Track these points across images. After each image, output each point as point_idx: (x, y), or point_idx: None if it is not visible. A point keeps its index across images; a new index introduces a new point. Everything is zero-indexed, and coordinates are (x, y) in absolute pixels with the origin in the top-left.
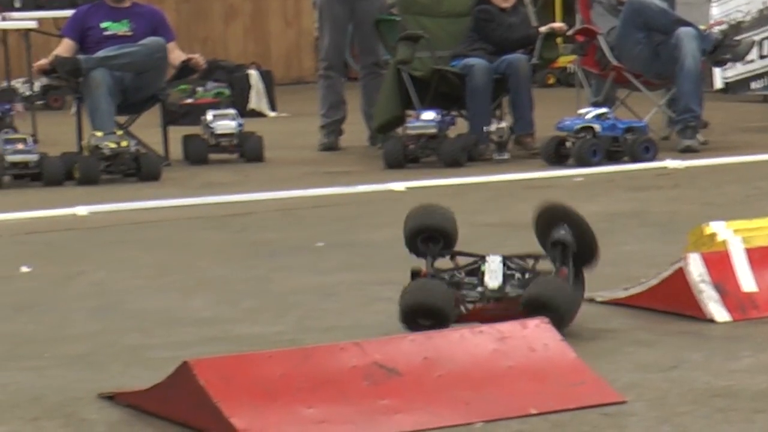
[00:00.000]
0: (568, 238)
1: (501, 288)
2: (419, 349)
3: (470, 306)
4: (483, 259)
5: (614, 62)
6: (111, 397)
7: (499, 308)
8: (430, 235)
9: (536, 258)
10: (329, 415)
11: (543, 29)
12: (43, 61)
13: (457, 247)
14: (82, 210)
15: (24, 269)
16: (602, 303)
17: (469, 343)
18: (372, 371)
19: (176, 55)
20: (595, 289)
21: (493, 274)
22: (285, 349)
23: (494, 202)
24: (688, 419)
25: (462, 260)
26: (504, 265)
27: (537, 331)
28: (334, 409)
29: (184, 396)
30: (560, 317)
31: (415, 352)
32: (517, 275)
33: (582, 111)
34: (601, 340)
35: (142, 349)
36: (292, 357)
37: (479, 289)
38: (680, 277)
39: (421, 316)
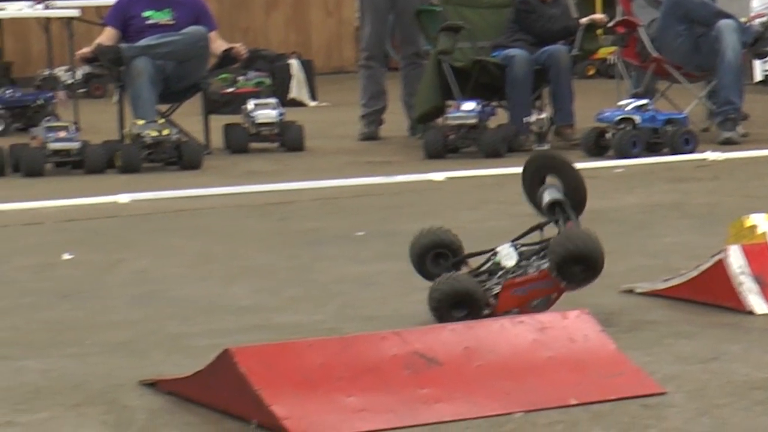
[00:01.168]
0: (558, 195)
1: (519, 263)
2: (459, 339)
3: (495, 298)
4: (494, 252)
5: (655, 54)
6: (152, 385)
7: (529, 285)
8: (437, 252)
9: (540, 228)
10: (369, 403)
11: (584, 20)
12: (86, 50)
13: (500, 239)
14: (123, 198)
15: (66, 256)
16: (642, 294)
17: (509, 333)
18: (412, 360)
19: (218, 45)
20: (635, 281)
21: (506, 257)
22: (326, 337)
23: None
24: (727, 411)
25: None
26: (514, 247)
27: (577, 322)
28: (374, 398)
29: (225, 384)
30: (596, 261)
31: (456, 342)
32: (532, 253)
33: (622, 102)
34: (640, 332)
35: (183, 336)
36: (332, 346)
37: (498, 275)
38: (720, 269)
39: (455, 305)
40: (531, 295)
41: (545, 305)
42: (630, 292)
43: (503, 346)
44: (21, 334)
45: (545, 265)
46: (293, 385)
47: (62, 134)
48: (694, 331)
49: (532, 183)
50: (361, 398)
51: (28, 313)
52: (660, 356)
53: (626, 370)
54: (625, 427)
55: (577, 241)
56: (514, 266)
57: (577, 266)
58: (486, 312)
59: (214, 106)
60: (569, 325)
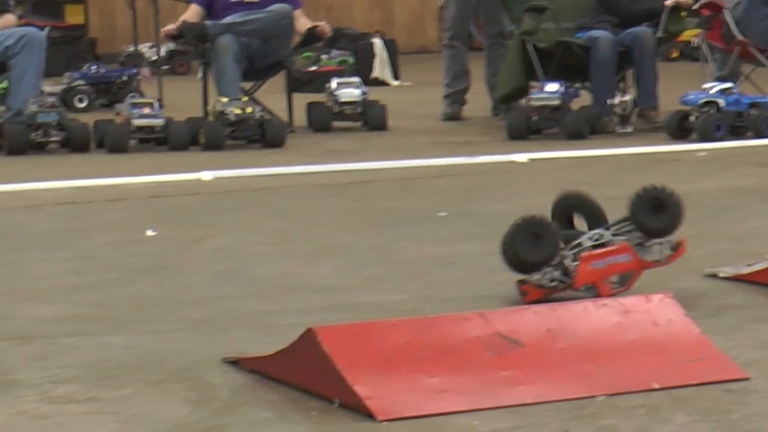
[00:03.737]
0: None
1: (601, 239)
2: (542, 321)
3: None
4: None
5: (739, 37)
6: (235, 362)
7: (609, 258)
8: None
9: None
10: (451, 384)
11: (668, 2)
12: (171, 27)
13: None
14: (206, 175)
15: (149, 233)
16: (725, 279)
17: (592, 315)
18: (495, 342)
19: (302, 23)
20: (718, 265)
21: (585, 238)
22: (408, 318)
23: (617, 176)
24: None
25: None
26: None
27: (661, 306)
28: (456, 379)
29: (307, 362)
30: (675, 207)
31: (538, 324)
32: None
33: (706, 85)
34: (723, 316)
35: (264, 314)
36: (415, 326)
37: (578, 249)
38: None
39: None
40: (610, 269)
41: (624, 284)
42: (713, 276)
43: (586, 328)
44: (104, 309)
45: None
46: (376, 364)
47: (147, 111)
48: None
49: (560, 220)
50: (443, 379)
51: (112, 289)
52: (743, 341)
53: (709, 355)
54: (708, 412)
55: (656, 190)
56: (594, 243)
57: (657, 212)
58: (557, 279)
59: (297, 84)
60: (653, 309)
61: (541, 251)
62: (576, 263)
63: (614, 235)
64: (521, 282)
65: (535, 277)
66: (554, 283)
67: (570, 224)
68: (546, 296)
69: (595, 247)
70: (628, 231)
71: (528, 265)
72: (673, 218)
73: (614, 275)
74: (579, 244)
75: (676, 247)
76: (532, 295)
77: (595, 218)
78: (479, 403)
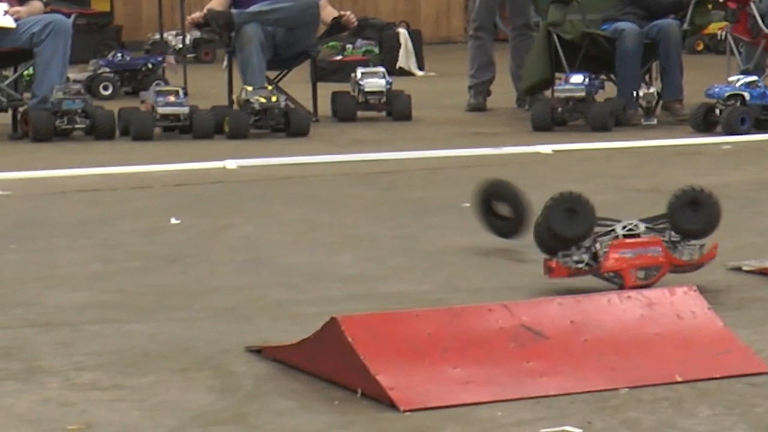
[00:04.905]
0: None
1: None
2: (566, 313)
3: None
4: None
5: (766, 30)
6: (258, 351)
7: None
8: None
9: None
10: (475, 375)
11: None
12: (197, 15)
13: (606, 212)
14: (231, 163)
15: (174, 221)
16: (749, 272)
17: (616, 308)
18: (519, 333)
19: (328, 12)
20: (742, 258)
21: (619, 226)
22: (433, 308)
23: (642, 168)
24: None
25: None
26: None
27: (685, 299)
28: (480, 370)
29: (331, 352)
30: (712, 207)
31: (563, 316)
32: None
33: (732, 78)
34: (747, 310)
35: (289, 303)
36: (439, 316)
37: (610, 236)
38: None
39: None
40: (638, 261)
41: (649, 279)
42: (738, 269)
43: (610, 321)
44: (129, 297)
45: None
46: (399, 355)
47: (172, 99)
48: None
49: (481, 207)
50: (466, 370)
51: (136, 276)
52: (767, 335)
53: (733, 348)
54: (731, 406)
55: (694, 191)
56: (626, 232)
57: (694, 211)
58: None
59: (322, 73)
60: (677, 302)
61: (576, 227)
62: (606, 249)
63: (648, 229)
64: (548, 258)
65: (563, 256)
66: (581, 265)
67: (491, 212)
68: (570, 276)
69: (626, 236)
70: (663, 228)
71: (562, 240)
72: (710, 221)
73: (641, 267)
74: (612, 231)
75: (707, 251)
76: (557, 273)
77: (517, 205)
78: (503, 394)
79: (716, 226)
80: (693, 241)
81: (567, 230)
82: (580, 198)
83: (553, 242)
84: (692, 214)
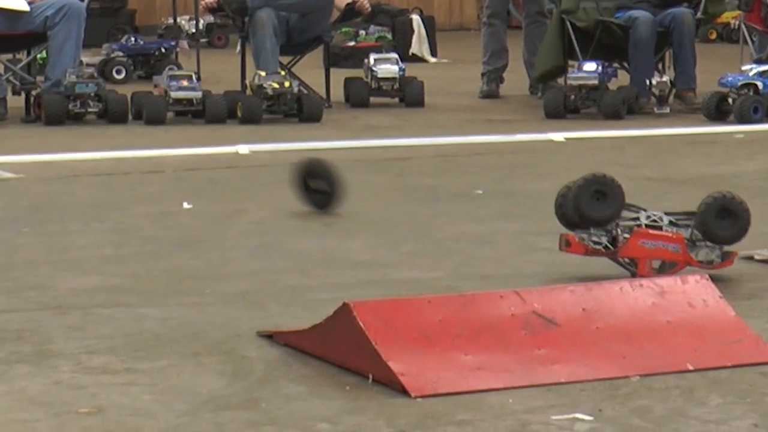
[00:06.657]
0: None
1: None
2: (578, 300)
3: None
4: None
5: None
6: (270, 336)
7: (659, 242)
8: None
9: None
10: (486, 362)
11: None
12: None
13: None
14: (243, 148)
15: (186, 205)
16: (761, 261)
17: (628, 296)
18: (531, 320)
19: None
20: (754, 248)
21: (643, 215)
22: (444, 295)
23: (654, 157)
24: None
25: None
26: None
27: (697, 287)
28: (492, 357)
29: (342, 337)
30: (743, 215)
31: (574, 303)
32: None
33: (745, 67)
34: (759, 299)
35: (301, 289)
36: (451, 303)
37: (635, 223)
38: None
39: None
40: (656, 253)
41: (663, 272)
42: (749, 258)
43: (622, 309)
44: (141, 282)
45: (683, 231)
46: (411, 341)
47: (185, 83)
48: None
49: (297, 183)
50: (478, 357)
51: (148, 261)
52: None
53: (745, 337)
54: (743, 395)
55: (725, 198)
56: (649, 222)
57: (725, 219)
58: (602, 244)
59: (335, 59)
60: (688, 290)
61: (603, 210)
62: (626, 235)
63: (671, 223)
64: (567, 233)
65: (583, 234)
66: (599, 246)
67: (307, 188)
68: (586, 254)
69: (648, 226)
70: (686, 226)
71: (588, 221)
72: (740, 228)
73: (658, 260)
74: (636, 218)
75: (726, 257)
76: (573, 249)
77: (330, 181)
78: (514, 381)
79: (746, 232)
80: (713, 245)
81: (594, 212)
82: (612, 182)
83: (577, 221)
84: (723, 222)
